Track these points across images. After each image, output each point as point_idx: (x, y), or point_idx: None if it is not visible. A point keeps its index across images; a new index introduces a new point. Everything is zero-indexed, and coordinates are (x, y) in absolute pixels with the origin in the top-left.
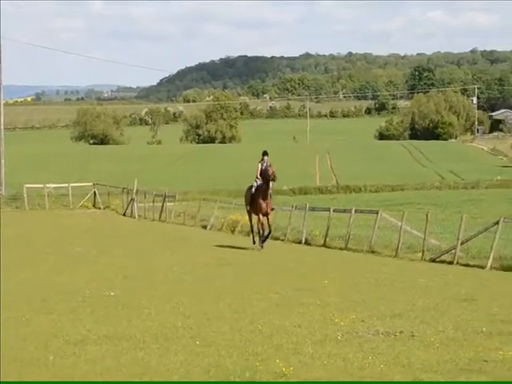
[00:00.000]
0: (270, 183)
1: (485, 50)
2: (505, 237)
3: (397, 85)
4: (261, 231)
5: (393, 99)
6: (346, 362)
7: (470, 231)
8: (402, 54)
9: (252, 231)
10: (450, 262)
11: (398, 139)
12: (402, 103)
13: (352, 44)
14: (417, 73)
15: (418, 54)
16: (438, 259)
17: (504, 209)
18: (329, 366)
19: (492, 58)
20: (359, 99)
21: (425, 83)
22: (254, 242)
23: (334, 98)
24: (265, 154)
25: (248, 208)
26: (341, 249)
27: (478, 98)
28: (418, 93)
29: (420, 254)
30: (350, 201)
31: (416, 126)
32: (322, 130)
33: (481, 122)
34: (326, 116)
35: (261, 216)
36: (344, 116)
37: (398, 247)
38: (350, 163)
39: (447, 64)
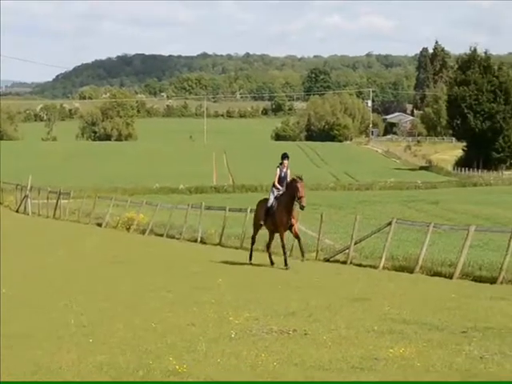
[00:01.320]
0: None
1: (380, 54)
2: (397, 237)
3: (293, 86)
4: (283, 250)
5: (289, 100)
6: (239, 360)
7: (364, 232)
8: (299, 56)
9: (252, 245)
10: (344, 262)
11: (294, 140)
12: (298, 105)
13: (250, 45)
14: (313, 75)
15: (314, 56)
16: (332, 259)
17: (397, 210)
18: (222, 364)
19: (387, 62)
20: (256, 100)
21: (321, 85)
22: (273, 263)
23: (231, 98)
24: (285, 156)
25: (261, 222)
26: (236, 248)
27: (373, 101)
28: (314, 95)
29: (314, 254)
30: (246, 200)
31: (312, 127)
32: (219, 129)
33: (375, 125)
34: (222, 116)
35: (283, 231)
36: (241, 116)
37: (292, 247)
38: (246, 163)
39: (343, 67)
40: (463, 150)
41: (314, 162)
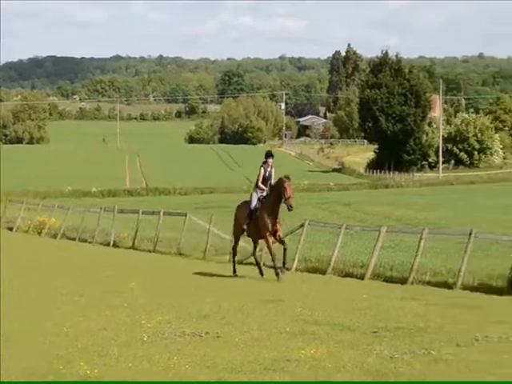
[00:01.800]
0: (281, 203)
1: (293, 57)
2: (310, 239)
3: (207, 89)
4: (272, 259)
5: (203, 103)
6: (151, 363)
7: None
8: (212, 59)
9: (234, 257)
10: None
11: (207, 143)
12: (211, 107)
13: (163, 47)
14: (227, 78)
15: (228, 58)
16: (245, 261)
17: (310, 212)
18: (134, 368)
19: (300, 64)
20: (169, 102)
21: (234, 88)
22: (262, 274)
23: (145, 101)
24: (269, 155)
25: (244, 227)
26: (149, 251)
27: (286, 103)
28: (227, 97)
29: (228, 257)
30: (160, 203)
31: (225, 130)
32: (132, 132)
33: (288, 128)
34: (136, 119)
35: (268, 237)
36: (154, 119)
37: (205, 249)
38: (159, 166)
39: (256, 70)
40: (375, 152)
41: (228, 164)
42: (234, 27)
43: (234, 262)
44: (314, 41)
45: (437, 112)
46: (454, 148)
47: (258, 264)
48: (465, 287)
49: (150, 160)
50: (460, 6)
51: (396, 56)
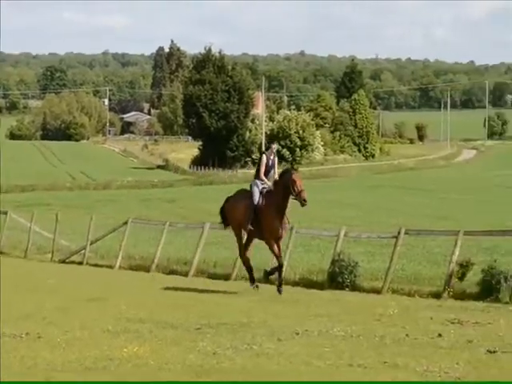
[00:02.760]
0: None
1: (116, 53)
2: (134, 237)
3: (28, 84)
4: (273, 266)
5: (24, 98)
6: None
7: (101, 231)
8: (34, 54)
9: (249, 267)
10: (80, 263)
11: (29, 139)
12: (33, 103)
13: None
14: (49, 73)
15: (50, 53)
16: (67, 260)
17: (134, 209)
18: None
19: (123, 60)
20: None
21: (57, 83)
22: (254, 281)
23: None
24: (272, 140)
25: (250, 228)
26: None
27: (110, 99)
28: (50, 93)
29: (50, 255)
30: None
31: (48, 126)
32: None
33: (112, 124)
34: None
35: (273, 242)
36: None
37: (27, 248)
38: None
39: (79, 65)
40: (199, 148)
41: (50, 161)
42: (56, 22)
43: (250, 272)
44: (138, 37)
45: (259, 109)
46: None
47: (248, 267)
48: (286, 282)
49: None
50: (281, 4)
51: (219, 53)
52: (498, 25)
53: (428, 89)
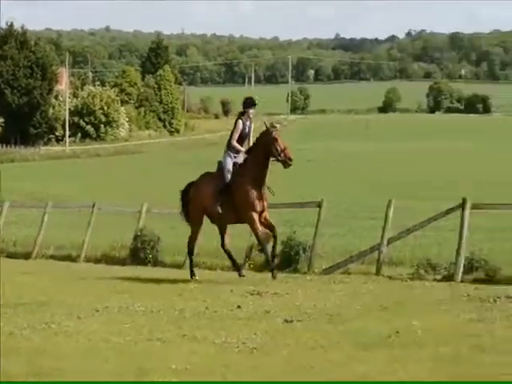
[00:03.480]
0: (270, 162)
1: None
2: None
3: None
4: (262, 249)
5: None
6: None
7: None
8: None
9: (191, 257)
10: None
11: None
12: None
13: None
14: None
15: None
16: None
17: None
18: None
19: None
20: None
21: None
22: (240, 271)
23: None
24: (250, 103)
25: (218, 209)
26: None
27: None
28: None
29: None
30: None
31: None
32: None
33: None
34: None
35: (255, 217)
36: None
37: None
38: None
39: None
40: (1, 126)
41: None
42: None
43: (191, 263)
44: None
45: (63, 85)
46: (81, 121)
47: (231, 258)
48: (88, 259)
49: None
50: None
51: (22, 28)
52: (300, 0)
53: (233, 64)
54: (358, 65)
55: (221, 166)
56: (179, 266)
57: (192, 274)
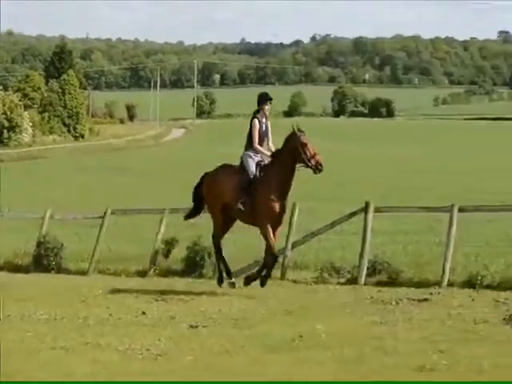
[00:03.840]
0: (297, 168)
1: None
2: None
3: None
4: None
5: None
6: None
7: None
8: None
9: (220, 258)
10: None
11: None
12: None
13: None
14: None
15: None
16: None
17: None
18: None
19: None
20: None
21: None
22: (223, 279)
23: None
24: (265, 98)
25: (240, 206)
26: None
27: None
28: None
29: None
30: None
31: None
32: None
33: None
34: None
35: (269, 228)
36: None
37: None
38: None
39: None
40: None
41: None
42: None
43: (220, 265)
44: None
45: None
46: None
47: (224, 264)
48: None
49: None
50: None
51: None
52: (204, 5)
53: (138, 68)
54: (264, 69)
55: (245, 163)
56: (83, 273)
57: (220, 280)
